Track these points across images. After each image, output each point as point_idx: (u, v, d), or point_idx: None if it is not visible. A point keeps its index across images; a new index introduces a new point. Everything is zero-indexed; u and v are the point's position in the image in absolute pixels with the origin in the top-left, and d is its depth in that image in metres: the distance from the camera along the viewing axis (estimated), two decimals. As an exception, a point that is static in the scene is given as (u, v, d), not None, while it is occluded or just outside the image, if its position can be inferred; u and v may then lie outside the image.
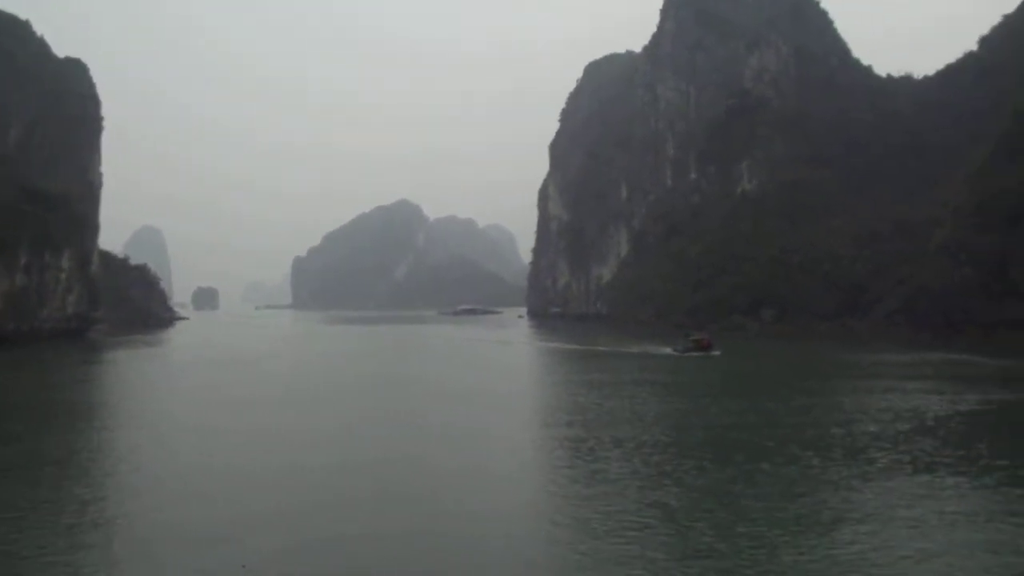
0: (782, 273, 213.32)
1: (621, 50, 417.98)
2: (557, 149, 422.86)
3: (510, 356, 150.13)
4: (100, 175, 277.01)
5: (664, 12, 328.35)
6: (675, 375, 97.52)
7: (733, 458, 46.64)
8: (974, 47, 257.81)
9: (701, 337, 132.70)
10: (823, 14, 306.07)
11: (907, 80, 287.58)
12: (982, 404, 68.44)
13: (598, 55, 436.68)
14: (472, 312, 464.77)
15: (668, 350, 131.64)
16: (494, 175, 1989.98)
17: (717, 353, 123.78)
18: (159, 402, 79.21)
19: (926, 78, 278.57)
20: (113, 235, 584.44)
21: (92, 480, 43.55)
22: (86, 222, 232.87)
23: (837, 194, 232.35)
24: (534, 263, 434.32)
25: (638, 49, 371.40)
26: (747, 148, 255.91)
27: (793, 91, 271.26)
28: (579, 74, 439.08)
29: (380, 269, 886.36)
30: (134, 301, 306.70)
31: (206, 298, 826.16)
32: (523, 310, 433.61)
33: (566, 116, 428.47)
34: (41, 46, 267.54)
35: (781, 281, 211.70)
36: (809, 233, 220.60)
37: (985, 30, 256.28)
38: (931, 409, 64.66)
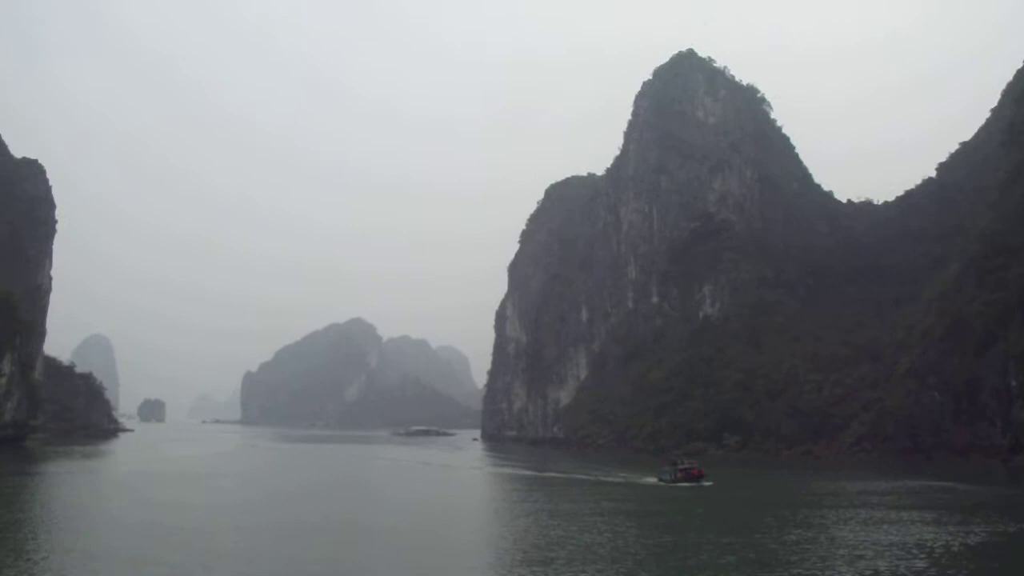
0: (746, 398, 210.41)
1: (583, 172, 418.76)
2: (516, 270, 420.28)
3: (472, 483, 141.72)
4: (50, 279, 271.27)
5: (627, 135, 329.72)
6: (661, 505, 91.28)
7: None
8: (932, 173, 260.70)
9: (691, 466, 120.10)
10: (785, 139, 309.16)
11: (867, 205, 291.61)
12: (990, 535, 63.69)
13: (558, 178, 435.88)
14: (425, 433, 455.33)
15: (652, 479, 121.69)
16: (449, 296, 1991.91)
17: (709, 483, 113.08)
18: (86, 525, 72.01)
19: (885, 203, 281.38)
20: (61, 341, 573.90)
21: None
22: (30, 326, 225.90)
23: (800, 318, 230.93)
24: (489, 385, 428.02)
25: (600, 171, 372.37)
26: (710, 271, 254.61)
27: (756, 215, 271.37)
28: (540, 196, 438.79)
29: (332, 387, 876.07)
30: (77, 410, 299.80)
31: (152, 410, 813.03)
32: (477, 432, 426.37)
33: (526, 237, 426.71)
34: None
35: (745, 406, 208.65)
36: (772, 357, 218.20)
37: (943, 156, 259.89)
38: (938, 542, 59.38)
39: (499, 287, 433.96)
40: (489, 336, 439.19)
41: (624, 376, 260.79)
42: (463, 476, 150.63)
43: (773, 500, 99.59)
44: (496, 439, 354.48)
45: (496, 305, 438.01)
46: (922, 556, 54.21)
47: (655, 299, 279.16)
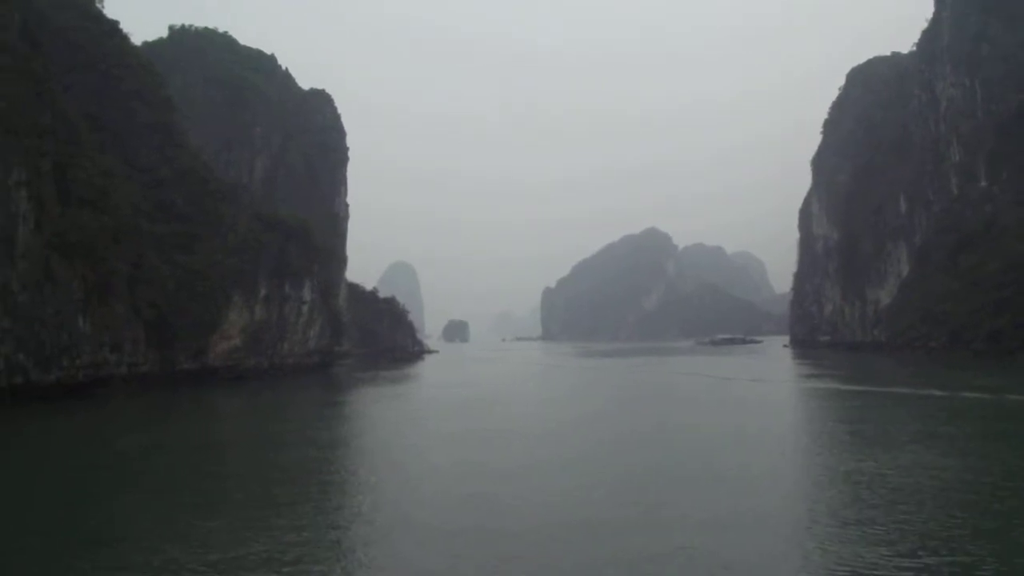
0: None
1: (886, 52, 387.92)
2: (820, 163, 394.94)
3: (815, 402, 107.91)
4: (346, 206, 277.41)
5: (938, 1, 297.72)
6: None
7: None
8: None
9: None
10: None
11: None
12: None
13: (860, 60, 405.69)
14: (731, 342, 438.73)
15: None
16: (742, 200, 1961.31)
17: None
18: (400, 473, 58.08)
19: None
20: (368, 271, 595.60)
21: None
22: (330, 253, 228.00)
23: None
24: (796, 288, 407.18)
25: (904, 50, 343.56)
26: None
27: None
28: (840, 82, 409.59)
29: (630, 298, 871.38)
30: (382, 334, 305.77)
31: (456, 330, 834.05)
32: (783, 339, 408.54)
33: (829, 127, 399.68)
34: (286, 79, 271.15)
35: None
36: None
37: None
38: None
39: (797, 188, 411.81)
40: (785, 239, 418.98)
41: (953, 270, 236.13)
42: (796, 393, 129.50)
43: None
44: (807, 345, 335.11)
45: (798, 204, 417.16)
46: None
47: (984, 183, 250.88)
